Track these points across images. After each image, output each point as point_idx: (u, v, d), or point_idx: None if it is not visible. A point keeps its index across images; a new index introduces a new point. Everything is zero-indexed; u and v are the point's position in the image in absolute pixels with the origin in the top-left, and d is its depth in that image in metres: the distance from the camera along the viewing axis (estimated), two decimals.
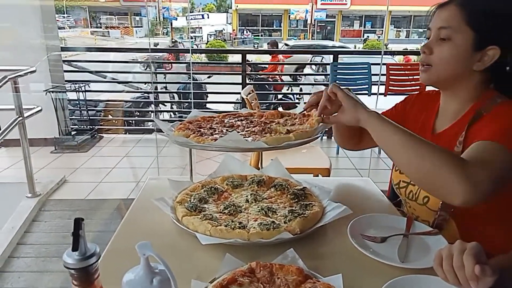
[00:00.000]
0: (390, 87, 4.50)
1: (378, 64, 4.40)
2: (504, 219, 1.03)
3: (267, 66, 6.77)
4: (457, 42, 0.97)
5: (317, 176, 2.41)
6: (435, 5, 1.03)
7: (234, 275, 0.81)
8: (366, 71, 4.62)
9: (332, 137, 4.79)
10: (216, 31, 26.50)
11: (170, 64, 6.82)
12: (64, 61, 4.65)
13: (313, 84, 6.73)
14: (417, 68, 3.83)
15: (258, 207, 1.09)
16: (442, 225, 1.06)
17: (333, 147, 4.44)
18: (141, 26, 27.49)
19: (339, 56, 5.01)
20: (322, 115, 1.07)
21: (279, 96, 5.97)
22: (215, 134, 1.11)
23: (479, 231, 1.01)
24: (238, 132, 1.13)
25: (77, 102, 4.60)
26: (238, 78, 4.78)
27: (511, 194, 1.01)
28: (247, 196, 1.16)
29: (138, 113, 5.47)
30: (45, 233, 2.66)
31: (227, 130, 1.17)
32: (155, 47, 5.64)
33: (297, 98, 6.09)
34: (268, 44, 7.45)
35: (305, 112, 1.14)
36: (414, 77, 4.66)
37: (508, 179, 0.86)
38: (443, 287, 0.75)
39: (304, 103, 1.15)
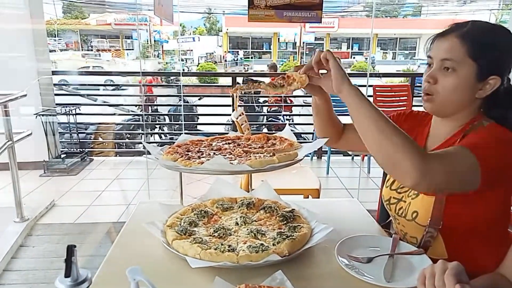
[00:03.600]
0: None
1: (365, 86, 4.51)
2: (489, 238, 1.07)
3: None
4: (460, 73, 1.00)
5: (307, 197, 2.44)
6: (434, 35, 1.08)
7: None
8: None
9: (322, 158, 4.80)
10: (207, 53, 26.89)
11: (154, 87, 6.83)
12: (55, 84, 4.67)
13: (303, 106, 6.84)
14: (403, 89, 3.94)
15: (247, 229, 1.11)
16: (430, 242, 1.09)
17: (323, 167, 4.48)
18: (132, 49, 27.76)
19: None
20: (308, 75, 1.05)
21: (269, 118, 6.04)
22: (202, 157, 1.14)
23: (466, 249, 1.05)
24: (224, 155, 1.16)
25: (68, 125, 4.59)
26: (229, 100, 4.86)
27: (495, 213, 1.06)
28: (236, 219, 1.18)
29: (128, 136, 5.48)
30: (33, 259, 2.61)
31: (214, 153, 1.20)
32: (145, 71, 5.70)
33: (286, 119, 6.17)
34: (268, 66, 7.58)
35: (286, 74, 1.09)
36: (401, 98, 4.78)
37: (465, 183, 0.93)
38: None
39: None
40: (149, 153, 1.23)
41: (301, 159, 1.14)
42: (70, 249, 0.46)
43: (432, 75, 1.04)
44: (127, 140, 5.31)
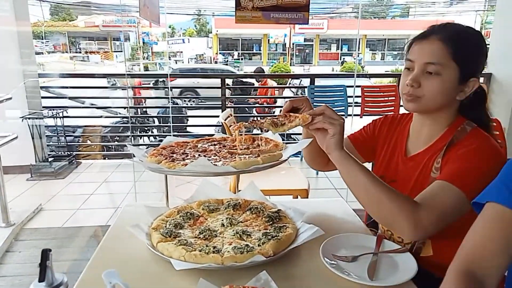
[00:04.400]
0: (365, 109, 4.64)
1: (352, 86, 4.57)
2: None
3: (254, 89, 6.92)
4: (445, 77, 1.02)
5: (297, 197, 2.45)
6: (412, 38, 1.09)
7: None
8: (342, 93, 4.76)
9: None
10: (197, 55, 26.82)
11: (142, 89, 6.78)
12: (41, 87, 4.60)
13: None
14: (391, 89, 3.97)
15: (233, 231, 1.11)
16: (421, 248, 1.12)
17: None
18: (121, 51, 27.54)
19: (316, 79, 5.15)
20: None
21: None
22: (187, 159, 1.14)
23: (452, 248, 1.06)
24: (209, 157, 1.16)
25: (55, 128, 4.54)
26: (219, 102, 4.85)
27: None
28: (222, 220, 1.18)
29: (117, 138, 5.43)
30: (19, 264, 2.57)
31: (199, 155, 1.19)
32: (130, 72, 5.64)
33: None
34: (254, 72, 7.66)
35: (289, 113, 1.08)
36: (389, 98, 4.83)
37: (457, 216, 0.96)
38: None
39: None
40: (134, 156, 1.22)
41: (285, 160, 1.14)
42: (45, 254, 0.46)
43: (415, 79, 1.05)
44: (115, 143, 5.26)
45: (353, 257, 1.04)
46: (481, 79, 4.49)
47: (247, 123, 1.13)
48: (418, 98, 1.06)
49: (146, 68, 19.83)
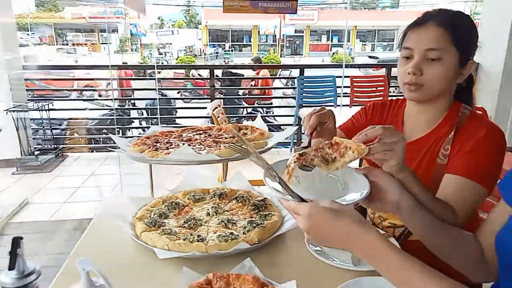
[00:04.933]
0: (354, 99, 4.65)
1: (343, 76, 4.57)
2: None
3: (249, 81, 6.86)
4: (446, 62, 1.01)
5: None
6: (408, 26, 1.08)
7: (191, 287, 0.81)
8: (332, 83, 4.76)
9: None
10: (186, 46, 26.54)
11: (130, 81, 6.67)
12: (26, 79, 4.51)
13: (282, 98, 6.86)
14: (380, 79, 3.96)
15: (218, 219, 1.11)
16: (410, 233, 1.11)
17: None
18: (110, 43, 27.07)
19: (306, 70, 5.14)
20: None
21: (249, 110, 6.03)
22: (171, 148, 1.12)
23: None
24: (194, 145, 1.14)
25: (41, 121, 4.46)
26: (207, 92, 4.82)
27: None
28: (208, 209, 1.17)
29: (105, 131, 5.36)
30: (5, 259, 2.53)
31: (184, 144, 1.18)
32: (115, 65, 5.52)
33: (266, 112, 6.18)
34: (252, 60, 7.59)
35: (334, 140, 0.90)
36: (378, 88, 4.84)
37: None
38: (391, 286, 0.79)
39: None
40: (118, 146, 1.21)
41: (270, 148, 1.14)
42: (16, 242, 0.44)
43: (417, 67, 1.03)
44: (102, 135, 5.18)
45: None
46: None
47: (295, 164, 0.85)
48: (421, 86, 1.04)
49: (144, 61, 19.61)
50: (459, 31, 1.02)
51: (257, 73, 6.71)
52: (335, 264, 0.95)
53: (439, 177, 1.04)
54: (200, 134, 1.28)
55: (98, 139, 5.19)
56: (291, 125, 5.07)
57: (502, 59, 4.08)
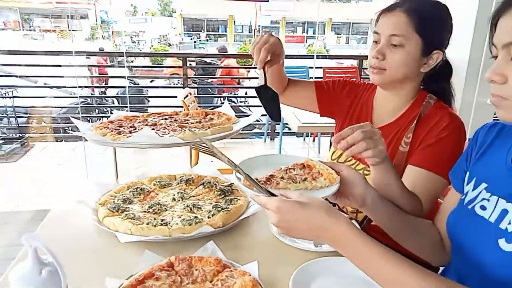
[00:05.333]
0: None
1: (318, 68, 4.63)
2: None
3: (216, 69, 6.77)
4: (408, 48, 1.04)
5: None
6: (380, 11, 1.10)
7: (152, 270, 0.81)
8: (305, 74, 4.80)
9: (275, 139, 4.84)
10: (160, 35, 25.96)
11: (98, 68, 6.46)
12: None
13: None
14: (352, 71, 4.02)
15: (183, 204, 1.11)
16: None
17: (276, 148, 4.55)
18: (80, 30, 26.13)
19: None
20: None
21: (223, 100, 5.99)
22: (134, 132, 1.11)
23: None
24: (158, 129, 1.13)
25: (4, 108, 4.27)
26: (180, 82, 4.75)
27: None
28: (174, 195, 1.17)
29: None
30: None
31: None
32: (79, 51, 5.30)
33: (240, 102, 6.16)
34: (217, 49, 7.50)
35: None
36: (350, 79, 4.92)
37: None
38: (351, 265, 0.82)
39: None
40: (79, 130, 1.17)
41: (235, 132, 1.14)
42: None
43: (380, 51, 1.06)
44: (67, 124, 5.01)
45: None
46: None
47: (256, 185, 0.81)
48: (383, 71, 1.07)
49: (116, 49, 18.97)
50: (425, 20, 1.03)
51: (221, 62, 6.64)
52: (297, 246, 0.98)
53: (401, 164, 1.08)
54: (166, 119, 1.27)
55: (66, 128, 5.02)
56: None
57: (467, 53, 4.24)
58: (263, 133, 5.02)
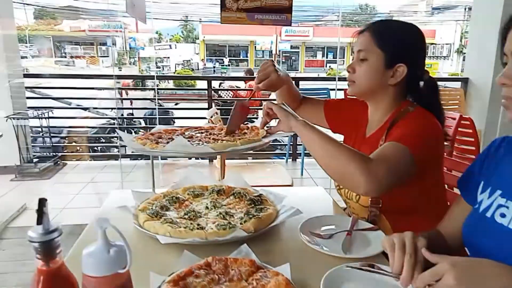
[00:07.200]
0: None
1: (339, 89, 4.71)
2: (429, 214, 1.18)
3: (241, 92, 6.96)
4: (371, 61, 1.17)
5: None
6: (356, 32, 1.25)
7: (191, 268, 0.88)
8: (326, 96, 4.88)
9: (296, 160, 4.87)
10: (184, 61, 26.80)
11: (129, 91, 6.76)
12: (26, 87, 4.58)
13: None
14: None
15: (216, 212, 1.17)
16: (375, 221, 1.20)
17: (298, 169, 4.58)
18: (107, 56, 27.32)
19: (301, 82, 5.26)
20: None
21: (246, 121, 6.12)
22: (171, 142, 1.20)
23: (408, 226, 1.14)
24: (193, 141, 1.22)
25: (40, 129, 4.51)
26: (205, 105, 4.91)
27: (432, 191, 1.17)
28: (207, 203, 1.24)
29: (103, 140, 5.42)
30: (3, 262, 2.56)
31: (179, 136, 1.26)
32: (119, 74, 5.62)
33: None
34: (244, 71, 7.73)
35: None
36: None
37: (406, 175, 1.04)
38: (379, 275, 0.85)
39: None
40: (124, 156, 1.27)
41: (263, 144, 1.21)
42: (41, 201, 0.51)
43: (351, 66, 1.22)
44: (101, 143, 5.24)
45: (329, 234, 1.12)
46: (458, 84, 4.71)
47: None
48: (353, 83, 1.22)
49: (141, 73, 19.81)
50: (385, 36, 1.17)
51: (250, 86, 6.82)
52: (326, 251, 1.02)
53: None
54: (202, 133, 1.36)
55: (96, 147, 5.24)
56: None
57: (490, 77, 4.24)
58: (285, 153, 5.08)
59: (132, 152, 1.20)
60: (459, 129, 2.54)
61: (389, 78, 1.18)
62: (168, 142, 1.19)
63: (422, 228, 1.13)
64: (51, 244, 0.53)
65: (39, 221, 0.51)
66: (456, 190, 1.31)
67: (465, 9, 25.62)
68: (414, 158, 1.02)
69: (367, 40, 1.18)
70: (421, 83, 1.22)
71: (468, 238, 0.85)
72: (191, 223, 1.08)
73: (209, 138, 1.27)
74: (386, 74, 1.18)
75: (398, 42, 1.17)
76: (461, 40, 25.67)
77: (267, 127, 1.28)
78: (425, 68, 1.22)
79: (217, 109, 4.72)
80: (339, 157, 1.00)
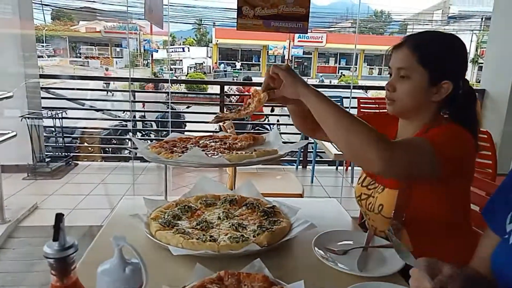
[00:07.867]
0: None
1: (351, 98, 4.66)
2: (451, 230, 1.14)
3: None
4: (414, 80, 1.11)
5: None
6: (391, 47, 1.19)
7: (203, 282, 0.86)
8: (339, 104, 4.84)
9: (307, 167, 4.84)
10: (196, 63, 27.01)
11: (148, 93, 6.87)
12: (42, 88, 4.64)
13: (289, 116, 6.90)
14: (385, 101, 4.00)
15: (229, 223, 1.15)
16: (395, 235, 1.15)
17: (308, 176, 4.54)
18: (122, 57, 27.66)
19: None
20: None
21: (255, 126, 6.12)
22: (186, 151, 1.18)
23: (429, 241, 1.11)
24: (208, 151, 1.20)
25: (53, 129, 4.56)
26: (217, 109, 4.92)
27: (455, 206, 1.13)
28: (219, 214, 1.22)
29: (115, 141, 5.46)
30: (13, 261, 2.58)
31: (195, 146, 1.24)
32: (134, 77, 5.71)
33: (272, 128, 6.25)
34: (242, 79, 7.80)
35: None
36: (384, 110, 4.90)
37: (425, 171, 1.02)
38: None
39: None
40: (137, 158, 1.27)
41: (279, 156, 1.19)
42: (58, 217, 0.50)
43: (391, 84, 1.16)
44: (113, 145, 5.28)
45: (344, 250, 1.09)
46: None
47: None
48: (394, 101, 1.16)
49: (155, 75, 20.12)
50: (426, 52, 1.11)
51: (248, 91, 6.80)
52: (340, 269, 0.99)
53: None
54: (216, 141, 1.34)
55: (107, 149, 5.28)
56: (297, 134, 5.12)
57: (508, 85, 4.16)
58: (295, 160, 5.04)
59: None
60: None
61: (433, 95, 1.13)
62: (182, 152, 1.18)
63: (443, 246, 1.10)
64: (67, 261, 0.52)
65: (56, 237, 0.50)
66: (474, 207, 1.28)
67: (482, 18, 25.34)
68: (437, 160, 0.99)
69: (408, 57, 1.12)
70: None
71: (498, 270, 0.82)
72: (203, 234, 1.06)
73: (224, 147, 1.25)
74: (430, 91, 1.12)
75: (442, 59, 1.12)
76: (476, 50, 25.35)
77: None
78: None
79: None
80: (356, 131, 0.95)
